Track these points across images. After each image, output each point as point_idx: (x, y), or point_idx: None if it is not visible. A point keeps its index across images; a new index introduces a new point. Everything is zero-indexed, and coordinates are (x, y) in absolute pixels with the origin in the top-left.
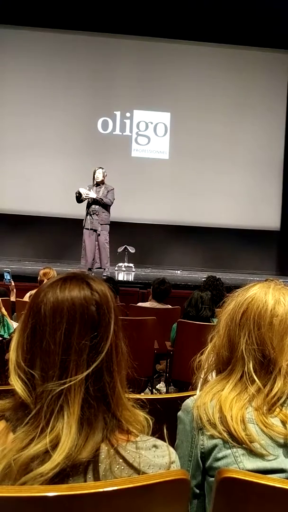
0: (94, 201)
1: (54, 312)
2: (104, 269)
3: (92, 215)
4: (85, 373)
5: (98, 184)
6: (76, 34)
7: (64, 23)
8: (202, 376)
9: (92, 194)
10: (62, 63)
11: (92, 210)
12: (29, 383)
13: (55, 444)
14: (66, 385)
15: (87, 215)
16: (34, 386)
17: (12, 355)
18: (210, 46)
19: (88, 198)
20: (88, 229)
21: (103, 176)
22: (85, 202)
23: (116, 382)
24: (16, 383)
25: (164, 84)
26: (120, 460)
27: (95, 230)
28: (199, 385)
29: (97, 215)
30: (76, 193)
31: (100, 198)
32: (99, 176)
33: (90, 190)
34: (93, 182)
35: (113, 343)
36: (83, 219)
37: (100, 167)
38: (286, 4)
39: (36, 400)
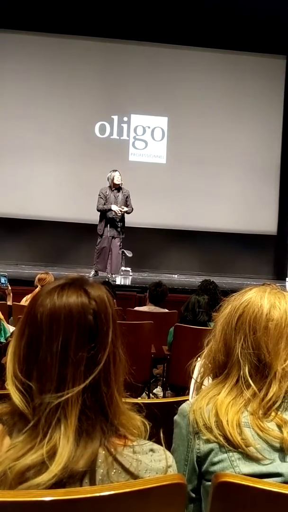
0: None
1: (50, 320)
2: (117, 274)
3: (114, 223)
4: (82, 385)
5: (117, 188)
6: (74, 39)
7: (62, 28)
8: (198, 380)
9: (125, 208)
10: (60, 67)
11: (116, 219)
12: (27, 394)
13: (51, 455)
14: (64, 398)
15: (107, 223)
16: (31, 397)
17: (9, 364)
18: (207, 52)
19: (123, 212)
20: (107, 236)
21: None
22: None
23: (113, 391)
24: (14, 394)
25: (162, 88)
26: (117, 465)
27: (113, 238)
28: (194, 388)
29: (118, 222)
30: (107, 211)
31: (129, 211)
32: (119, 179)
33: (106, 193)
34: (111, 186)
35: (111, 353)
36: (82, 223)
37: (116, 170)
38: (282, 10)
39: (34, 412)
